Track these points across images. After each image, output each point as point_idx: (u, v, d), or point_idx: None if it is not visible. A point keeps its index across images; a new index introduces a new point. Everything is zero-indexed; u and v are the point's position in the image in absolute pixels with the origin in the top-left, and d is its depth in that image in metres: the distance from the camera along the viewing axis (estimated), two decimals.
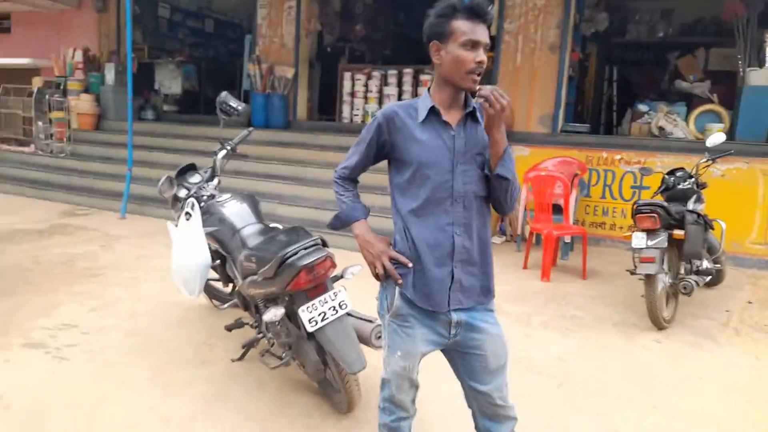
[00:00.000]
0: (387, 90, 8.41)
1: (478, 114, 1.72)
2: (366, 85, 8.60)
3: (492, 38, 7.47)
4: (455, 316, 1.75)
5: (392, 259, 1.75)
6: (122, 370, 3.03)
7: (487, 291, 1.79)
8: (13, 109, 10.09)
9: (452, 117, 1.70)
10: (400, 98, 8.38)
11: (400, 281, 1.74)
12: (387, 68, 8.61)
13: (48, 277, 4.55)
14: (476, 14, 1.59)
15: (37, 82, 9.93)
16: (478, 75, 1.62)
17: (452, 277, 1.72)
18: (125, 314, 3.82)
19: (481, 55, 1.61)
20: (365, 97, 8.63)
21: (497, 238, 6.54)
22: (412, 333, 1.77)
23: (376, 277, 1.80)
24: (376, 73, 8.55)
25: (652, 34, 9.71)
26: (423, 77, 8.16)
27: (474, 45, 1.60)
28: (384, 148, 1.78)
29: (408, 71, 8.34)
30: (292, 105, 8.97)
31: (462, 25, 1.59)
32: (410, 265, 1.73)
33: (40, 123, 9.37)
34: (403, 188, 1.76)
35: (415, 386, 1.89)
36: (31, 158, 9.27)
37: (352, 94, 8.73)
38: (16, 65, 11.58)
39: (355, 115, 8.73)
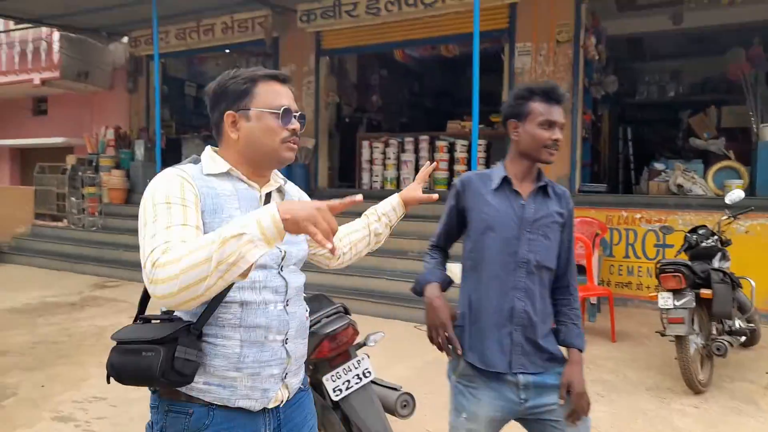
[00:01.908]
0: (404, 156, 8.65)
1: (549, 189, 1.83)
2: (384, 153, 8.86)
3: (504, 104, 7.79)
4: (522, 379, 1.75)
5: (453, 320, 1.81)
6: None
7: (553, 357, 1.80)
8: (48, 186, 10.56)
9: (524, 188, 1.81)
10: (417, 164, 8.60)
11: (459, 351, 1.79)
12: (403, 136, 8.89)
13: (79, 349, 4.63)
14: (552, 98, 1.76)
15: (70, 160, 10.43)
16: (555, 150, 1.76)
17: (511, 340, 1.75)
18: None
19: (557, 134, 1.75)
20: (384, 164, 8.87)
21: None
22: (478, 395, 1.78)
23: (431, 340, 1.83)
24: (393, 141, 8.83)
25: (663, 94, 9.92)
26: (439, 143, 8.39)
27: (550, 124, 1.74)
28: (463, 213, 1.88)
29: (424, 138, 8.60)
30: (314, 173, 9.25)
31: (539, 107, 1.75)
32: (460, 351, 1.79)
33: (73, 198, 9.78)
34: (470, 249, 1.86)
35: None
36: (64, 233, 9.61)
37: (371, 162, 8.99)
38: (51, 144, 12.25)
39: (375, 181, 8.94)
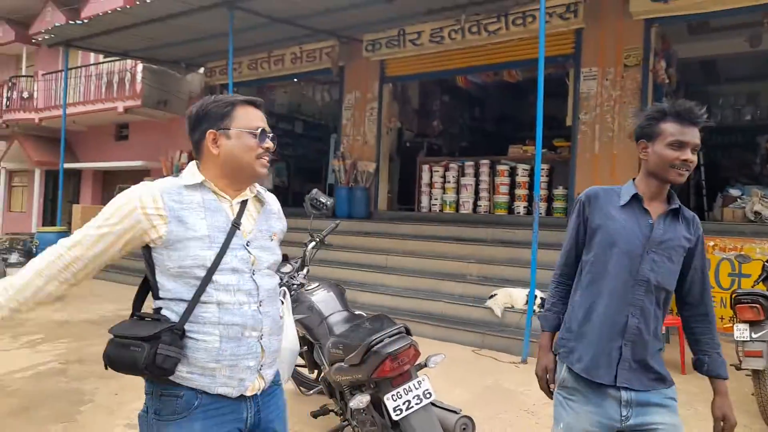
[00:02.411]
0: (464, 180, 8.67)
1: (680, 213, 1.81)
2: (444, 176, 8.92)
3: (568, 128, 7.68)
4: (625, 395, 1.74)
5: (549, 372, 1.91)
6: None
7: (660, 378, 1.78)
8: None
9: (653, 208, 1.80)
10: (477, 188, 8.59)
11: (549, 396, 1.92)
12: (464, 160, 8.93)
13: None
14: (685, 118, 1.72)
15: None
16: (685, 171, 1.73)
17: (620, 354, 1.75)
18: None
19: (687, 154, 1.71)
20: (443, 188, 8.92)
21: None
22: (577, 408, 1.79)
23: (539, 386, 1.97)
24: (453, 165, 8.88)
25: (739, 118, 9.46)
26: (500, 167, 8.36)
27: (681, 145, 1.72)
28: (586, 226, 1.89)
29: (485, 162, 8.60)
30: (374, 197, 9.42)
31: (670, 128, 1.72)
32: (551, 399, 1.90)
33: None
34: (591, 262, 1.84)
35: None
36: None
37: (431, 185, 9.07)
38: (131, 167, 13.12)
39: (434, 204, 9.00)
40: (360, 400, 2.52)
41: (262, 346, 1.55)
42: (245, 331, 1.51)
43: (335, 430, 3.11)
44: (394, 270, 7.13)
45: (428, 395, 2.50)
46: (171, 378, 1.47)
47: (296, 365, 3.52)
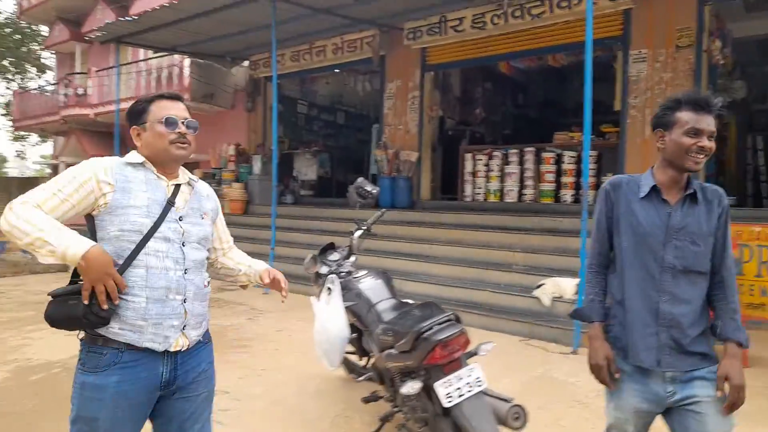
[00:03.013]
0: (508, 168, 8.55)
1: (698, 195, 1.87)
2: (487, 165, 8.82)
3: (616, 113, 7.45)
4: (669, 373, 1.82)
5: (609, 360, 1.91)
6: None
7: (704, 356, 1.83)
8: None
9: (672, 196, 1.87)
10: (522, 176, 8.46)
11: (612, 389, 1.92)
12: (508, 148, 8.80)
13: None
14: (701, 107, 1.79)
15: (197, 175, 11.44)
16: (702, 157, 1.79)
17: (658, 340, 1.82)
18: (270, 384, 4.13)
19: (704, 141, 1.78)
20: (487, 176, 8.83)
21: None
22: (624, 387, 1.88)
23: (596, 377, 1.96)
24: (497, 153, 8.76)
25: None
26: (545, 155, 8.20)
27: (696, 133, 1.78)
28: (611, 214, 1.97)
29: (529, 149, 8.45)
30: (416, 186, 9.42)
31: (685, 116, 1.79)
32: (613, 388, 1.91)
33: None
34: (618, 250, 1.95)
35: None
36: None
37: (474, 174, 8.98)
38: None
39: (477, 193, 8.92)
40: (411, 387, 2.55)
41: (185, 309, 1.78)
42: (170, 294, 1.75)
43: (386, 416, 3.15)
44: (438, 259, 7.12)
45: (480, 383, 2.50)
46: (103, 334, 1.69)
47: (346, 352, 3.59)
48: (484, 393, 2.56)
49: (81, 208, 1.72)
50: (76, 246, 1.60)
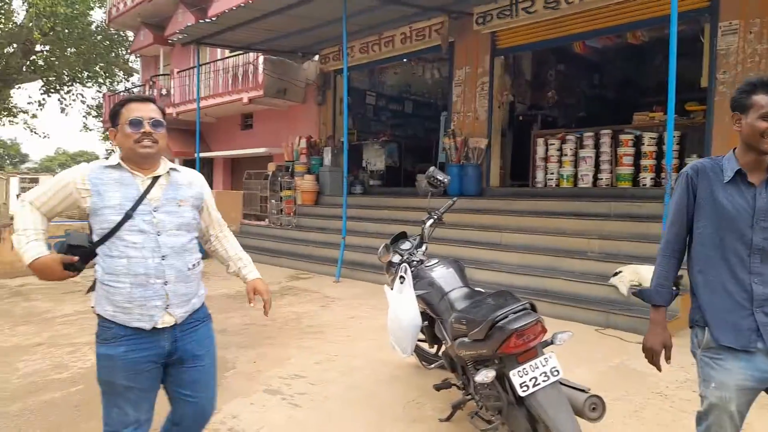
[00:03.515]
0: (583, 153, 8.23)
1: None
2: (560, 149, 8.54)
3: (702, 90, 6.98)
4: None
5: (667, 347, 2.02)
6: (342, 422, 3.36)
7: None
8: (253, 190, 12.17)
9: (756, 177, 1.90)
10: (597, 160, 8.13)
11: (660, 372, 2.02)
12: (582, 131, 8.46)
13: (281, 332, 5.30)
14: None
15: (271, 167, 11.88)
16: None
17: (755, 321, 1.85)
18: (344, 369, 4.25)
19: None
20: (560, 161, 8.55)
21: None
22: (726, 365, 1.89)
23: (648, 359, 2.07)
24: (570, 137, 8.46)
25: None
26: (623, 137, 7.83)
27: None
28: (694, 199, 1.99)
29: (606, 132, 8.09)
30: (485, 173, 9.27)
31: (761, 99, 1.82)
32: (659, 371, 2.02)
33: (273, 201, 11.13)
34: (703, 235, 1.97)
35: (736, 427, 1.91)
36: (265, 230, 11.00)
37: (546, 159, 8.73)
38: (256, 154, 14.05)
39: (550, 179, 8.67)
40: (485, 375, 2.54)
41: (166, 291, 2.03)
42: (150, 279, 2.00)
43: (458, 403, 3.17)
44: (509, 247, 7.00)
45: (556, 373, 2.46)
46: (102, 314, 2.02)
47: (418, 340, 3.64)
48: (560, 383, 2.52)
49: (66, 205, 2.04)
50: (27, 254, 1.96)
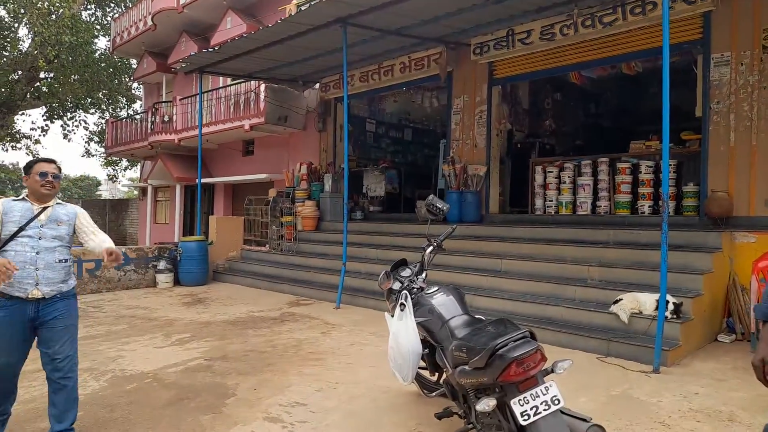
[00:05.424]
0: (581, 180, 8.33)
1: None
2: (558, 177, 8.64)
3: (698, 119, 7.10)
4: None
5: None
6: None
7: None
8: (254, 215, 12.22)
9: None
10: (595, 188, 8.22)
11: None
12: (580, 159, 8.57)
13: (281, 359, 5.28)
14: None
15: (272, 193, 11.95)
16: None
17: None
18: (344, 397, 4.24)
19: None
20: (558, 189, 8.64)
21: (725, 336, 5.75)
22: None
23: (758, 376, 2.04)
24: (568, 165, 8.56)
25: None
26: (620, 165, 7.93)
27: None
28: None
29: (603, 160, 8.20)
30: (485, 200, 9.35)
31: None
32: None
33: (273, 227, 11.17)
34: None
35: None
36: (266, 256, 11.01)
37: (544, 186, 8.82)
38: (257, 180, 14.15)
39: (549, 206, 8.74)
40: (486, 403, 2.55)
41: (37, 274, 3.18)
42: (26, 266, 3.15)
43: None
44: (509, 274, 7.03)
45: (557, 401, 2.47)
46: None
47: (419, 367, 3.64)
48: (561, 412, 2.53)
49: None
50: None
